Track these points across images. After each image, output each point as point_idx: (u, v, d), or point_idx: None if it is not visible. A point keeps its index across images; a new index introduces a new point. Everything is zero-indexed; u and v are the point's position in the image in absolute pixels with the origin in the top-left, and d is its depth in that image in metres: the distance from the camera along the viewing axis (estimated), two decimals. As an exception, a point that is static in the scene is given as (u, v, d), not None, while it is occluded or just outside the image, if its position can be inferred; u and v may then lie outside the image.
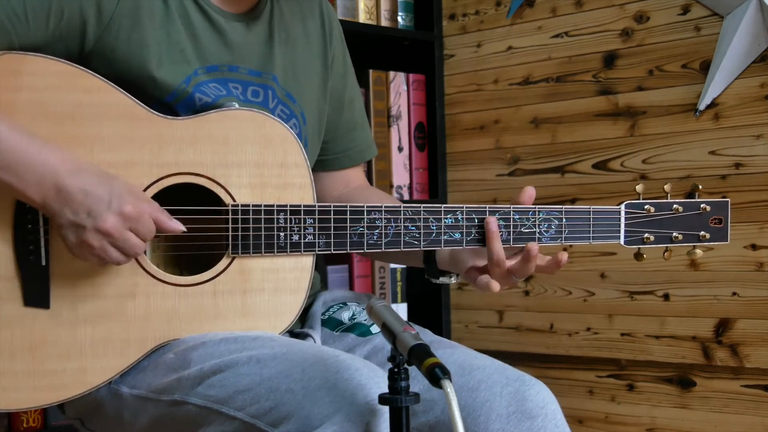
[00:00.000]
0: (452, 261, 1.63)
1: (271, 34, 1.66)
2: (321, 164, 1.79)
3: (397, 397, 1.20)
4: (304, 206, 1.52)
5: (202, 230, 1.51)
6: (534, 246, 1.53)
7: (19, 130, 1.40)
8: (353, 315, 1.71)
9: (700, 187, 1.65)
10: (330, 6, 1.80)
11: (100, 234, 1.40)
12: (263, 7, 1.66)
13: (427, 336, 1.62)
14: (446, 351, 1.56)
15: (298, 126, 1.66)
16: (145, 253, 1.48)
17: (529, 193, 1.59)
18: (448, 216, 1.56)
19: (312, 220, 1.53)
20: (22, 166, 1.38)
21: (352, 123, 1.83)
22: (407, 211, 1.55)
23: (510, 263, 1.55)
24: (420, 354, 1.18)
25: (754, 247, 2.40)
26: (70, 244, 1.41)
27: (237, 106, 1.55)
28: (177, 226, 1.46)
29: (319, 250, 1.53)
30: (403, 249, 1.56)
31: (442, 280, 1.67)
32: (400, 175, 2.83)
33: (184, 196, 1.49)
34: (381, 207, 1.54)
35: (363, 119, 1.86)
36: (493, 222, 1.54)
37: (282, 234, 1.52)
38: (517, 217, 1.57)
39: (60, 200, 1.39)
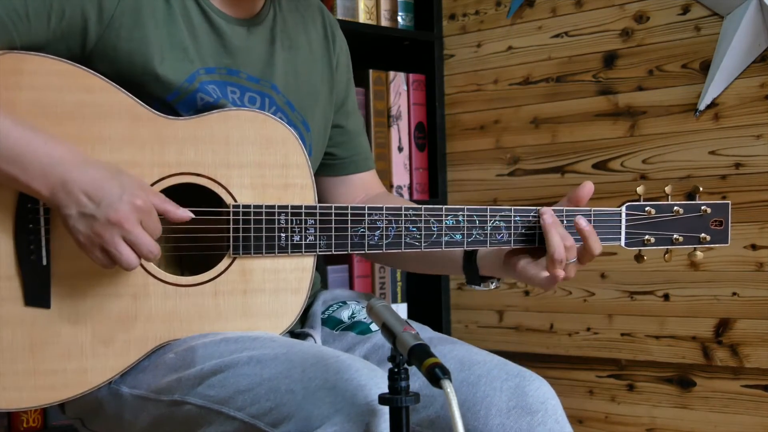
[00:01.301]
0: (497, 261, 1.63)
1: (273, 41, 1.66)
2: (332, 168, 1.79)
3: (397, 397, 1.20)
4: (305, 207, 1.53)
5: (203, 230, 1.51)
6: (581, 220, 1.54)
7: (23, 123, 1.41)
8: (353, 314, 1.71)
9: (701, 188, 1.65)
10: (331, 15, 1.81)
11: (112, 225, 1.39)
12: (266, 13, 1.66)
13: (427, 333, 1.62)
14: (446, 347, 1.56)
15: (299, 133, 1.66)
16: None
17: (588, 188, 1.60)
18: (449, 217, 1.56)
19: (313, 221, 1.53)
20: (28, 159, 1.38)
21: (357, 129, 1.84)
22: (408, 212, 1.55)
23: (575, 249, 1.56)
24: (420, 354, 1.18)
25: (754, 247, 2.40)
26: (80, 236, 1.40)
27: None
28: (185, 214, 1.46)
29: (320, 251, 1.54)
30: (403, 250, 1.56)
31: (483, 286, 1.67)
32: (400, 175, 2.83)
33: (185, 197, 1.49)
34: (382, 208, 1.54)
35: (364, 128, 1.88)
36: (548, 214, 1.54)
37: (283, 235, 1.52)
38: (518, 218, 1.58)
39: (67, 192, 1.39)
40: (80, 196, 1.39)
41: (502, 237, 1.57)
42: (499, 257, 1.62)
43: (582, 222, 1.55)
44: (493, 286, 1.68)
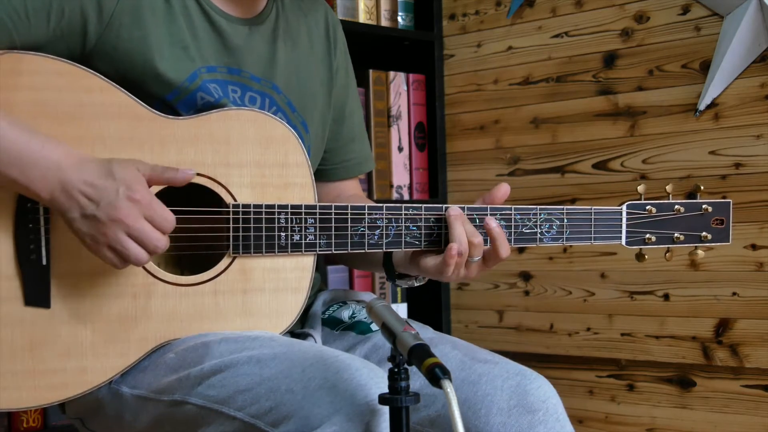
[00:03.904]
0: (404, 257, 1.63)
1: (275, 40, 1.66)
2: (319, 174, 1.78)
3: (397, 397, 1.20)
4: (305, 206, 1.52)
5: (203, 230, 1.51)
6: (491, 220, 1.52)
7: (21, 126, 1.40)
8: (353, 314, 1.71)
9: (702, 187, 1.65)
10: (335, 17, 1.81)
11: (115, 223, 1.39)
12: (268, 13, 1.66)
13: (427, 332, 1.62)
14: (447, 346, 1.56)
15: (299, 134, 1.65)
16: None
17: (503, 190, 1.59)
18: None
19: (313, 220, 1.53)
20: (26, 162, 1.38)
21: (351, 135, 1.83)
22: (408, 211, 1.55)
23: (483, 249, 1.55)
24: (420, 354, 1.18)
25: (754, 247, 2.40)
26: (86, 238, 1.40)
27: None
28: (187, 174, 1.44)
29: (319, 250, 1.53)
30: (404, 249, 1.56)
31: (400, 284, 1.67)
32: (400, 175, 2.83)
33: (185, 196, 1.49)
34: (382, 207, 1.54)
35: (362, 132, 1.87)
36: (454, 208, 1.53)
37: (283, 234, 1.52)
38: (519, 217, 1.58)
39: (67, 195, 1.39)
40: (80, 197, 1.39)
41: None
42: (407, 254, 1.62)
43: (492, 223, 1.53)
44: (416, 284, 1.67)
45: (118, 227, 1.39)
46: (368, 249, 1.54)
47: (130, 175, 1.41)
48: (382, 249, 1.55)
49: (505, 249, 1.54)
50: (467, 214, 1.56)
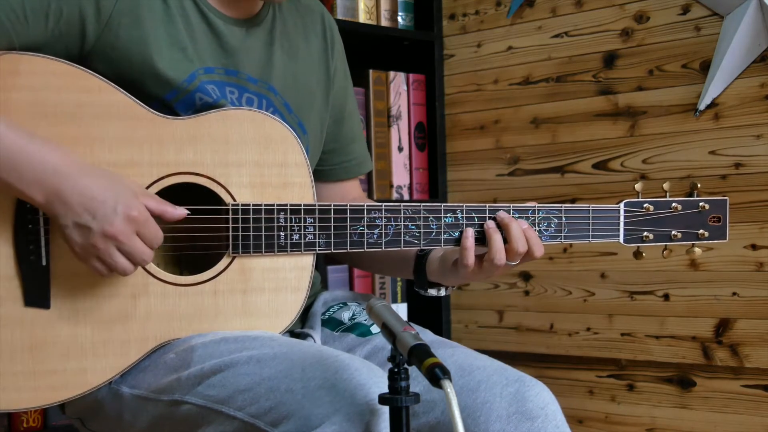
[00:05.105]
0: (442, 265, 1.63)
1: (272, 42, 1.66)
2: (319, 175, 1.78)
3: (397, 397, 1.21)
4: (305, 205, 1.53)
5: (202, 230, 1.51)
6: (523, 223, 1.55)
7: (19, 129, 1.40)
8: (353, 315, 1.71)
9: (699, 185, 1.65)
10: (332, 19, 1.81)
11: (108, 238, 1.39)
12: (265, 14, 1.66)
13: (427, 336, 1.62)
14: (446, 351, 1.56)
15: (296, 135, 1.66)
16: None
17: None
18: (448, 215, 1.56)
19: (312, 220, 1.53)
20: (22, 166, 1.38)
21: (351, 135, 1.83)
22: (407, 210, 1.55)
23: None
24: (420, 354, 1.18)
25: (754, 247, 2.40)
26: (75, 246, 1.41)
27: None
28: (181, 211, 1.46)
29: (319, 250, 1.54)
30: (403, 248, 1.56)
31: (431, 292, 1.67)
32: (400, 175, 2.83)
33: (184, 196, 1.49)
34: (381, 206, 1.54)
35: (361, 133, 1.88)
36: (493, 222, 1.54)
37: (282, 233, 1.52)
38: (517, 215, 1.58)
39: (62, 201, 1.39)
40: (75, 207, 1.39)
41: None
42: (445, 262, 1.62)
43: (525, 226, 1.56)
44: (442, 293, 1.67)
45: (110, 242, 1.40)
46: (367, 248, 1.54)
47: (131, 190, 1.42)
48: (382, 248, 1.55)
49: (538, 249, 1.57)
50: (477, 214, 1.57)
